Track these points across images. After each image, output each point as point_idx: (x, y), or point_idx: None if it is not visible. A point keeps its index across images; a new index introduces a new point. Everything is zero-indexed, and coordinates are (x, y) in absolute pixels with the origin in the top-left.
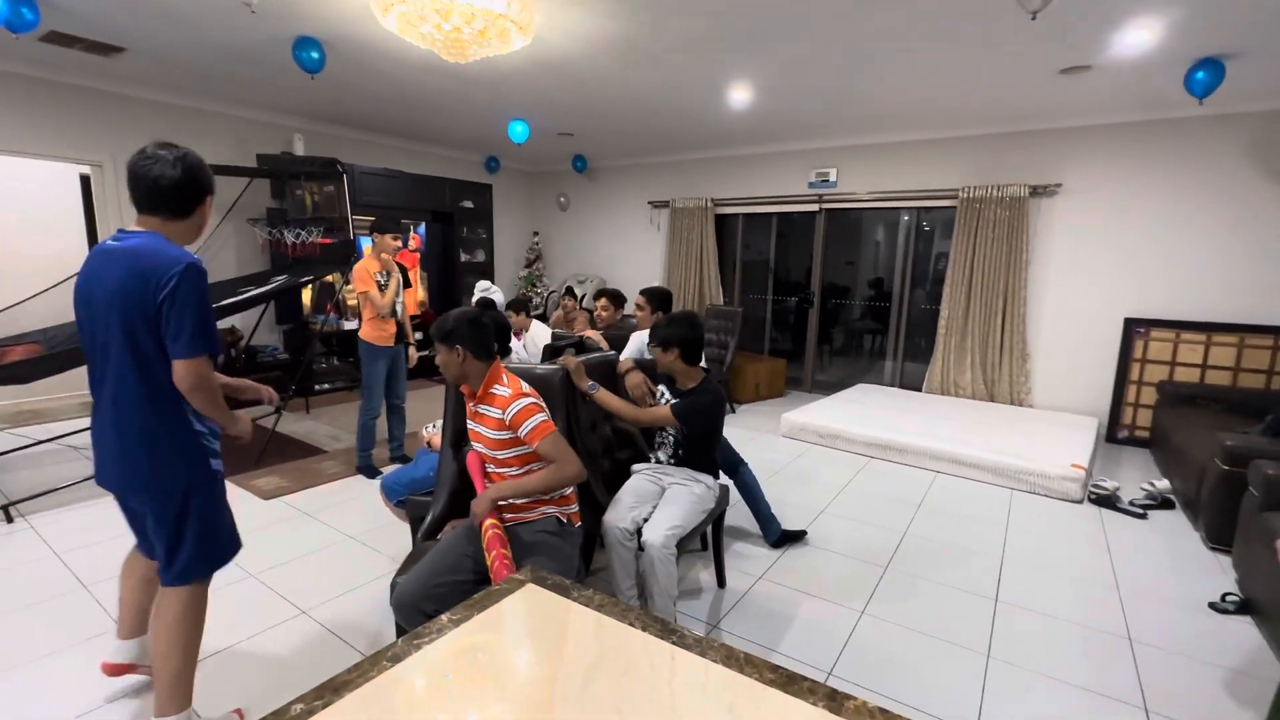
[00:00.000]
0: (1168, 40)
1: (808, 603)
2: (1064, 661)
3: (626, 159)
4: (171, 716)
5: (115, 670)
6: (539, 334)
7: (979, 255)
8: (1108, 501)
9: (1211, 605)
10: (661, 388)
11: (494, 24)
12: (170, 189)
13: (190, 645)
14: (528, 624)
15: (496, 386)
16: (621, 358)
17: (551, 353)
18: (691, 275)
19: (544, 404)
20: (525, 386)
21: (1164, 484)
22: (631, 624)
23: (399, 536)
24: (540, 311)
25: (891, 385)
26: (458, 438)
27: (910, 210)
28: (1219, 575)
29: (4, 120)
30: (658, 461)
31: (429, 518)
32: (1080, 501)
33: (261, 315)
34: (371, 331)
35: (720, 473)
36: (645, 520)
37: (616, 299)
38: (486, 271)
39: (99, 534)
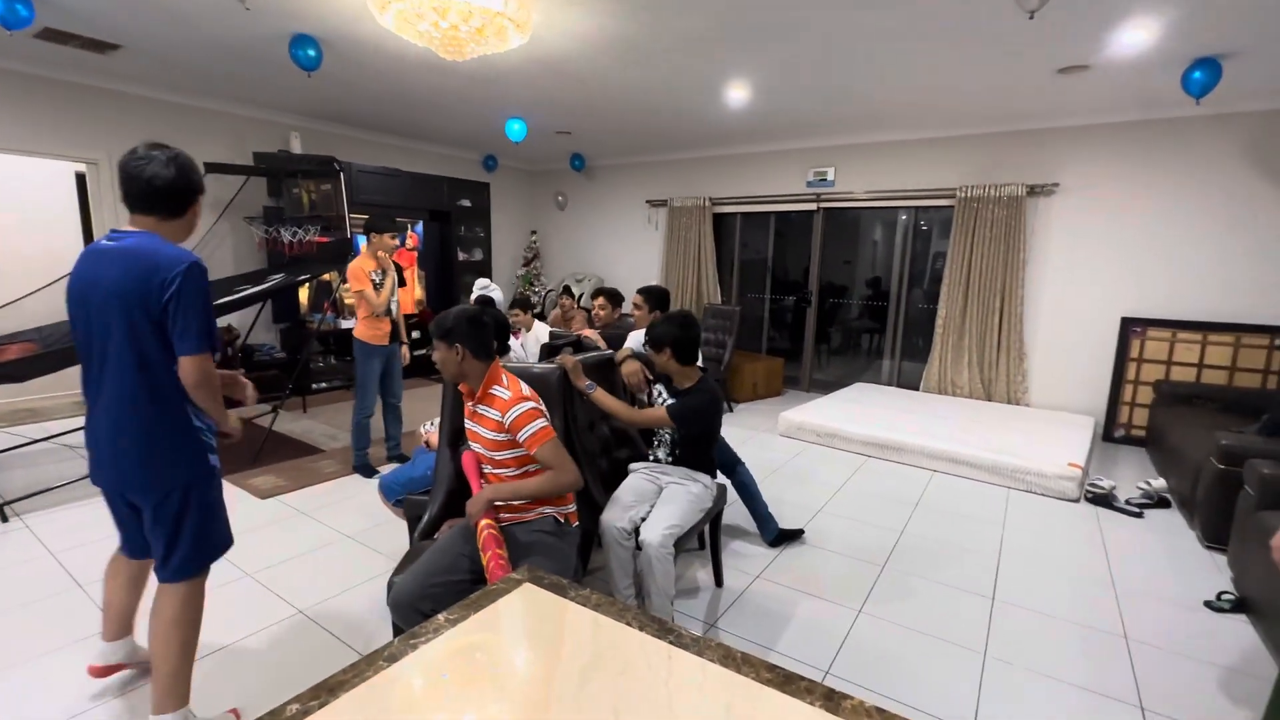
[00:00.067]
0: (1165, 40)
1: (805, 602)
2: (1060, 660)
3: (624, 158)
4: (169, 714)
5: (102, 673)
6: (537, 333)
7: (976, 254)
8: (1104, 500)
9: (1207, 604)
10: (659, 387)
11: (491, 22)
12: (164, 189)
13: (188, 642)
14: (525, 623)
15: (496, 387)
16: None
17: (549, 352)
18: (689, 274)
19: (544, 408)
20: (526, 389)
21: (1160, 483)
22: (629, 623)
23: (396, 536)
24: (538, 310)
25: (889, 384)
26: (455, 437)
27: (908, 209)
28: (1214, 574)
29: None
30: (656, 460)
31: (426, 517)
32: (1077, 500)
33: (258, 314)
34: (366, 330)
35: (718, 472)
36: (643, 519)
37: (614, 298)
38: (484, 270)
39: (94, 533)
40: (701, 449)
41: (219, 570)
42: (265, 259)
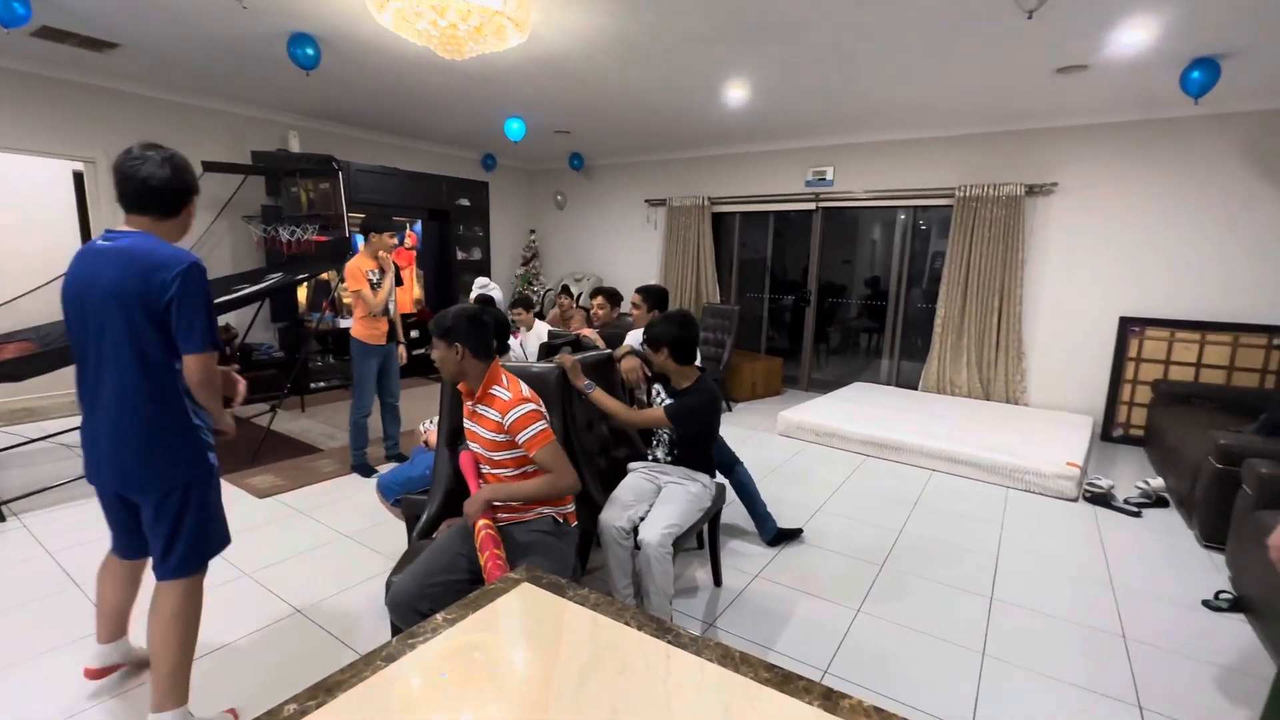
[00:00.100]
0: (1164, 40)
1: (804, 601)
2: (1058, 659)
3: (623, 157)
4: (169, 712)
5: (98, 674)
6: (537, 332)
7: (975, 254)
8: (1102, 500)
9: (1205, 603)
10: (657, 387)
11: (490, 21)
12: (159, 189)
13: (187, 639)
14: (523, 623)
15: (495, 388)
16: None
17: (548, 351)
18: (688, 274)
19: (544, 409)
20: (526, 390)
21: (1158, 482)
22: (627, 623)
23: (394, 535)
24: (537, 310)
25: (888, 384)
26: (453, 436)
27: (907, 209)
28: (1213, 573)
29: None
30: (654, 460)
31: (424, 516)
32: (1075, 500)
33: (256, 313)
34: (363, 329)
35: (716, 471)
36: (641, 519)
37: (613, 297)
38: (483, 269)
39: (91, 532)
40: (700, 448)
41: (217, 570)
42: (263, 258)
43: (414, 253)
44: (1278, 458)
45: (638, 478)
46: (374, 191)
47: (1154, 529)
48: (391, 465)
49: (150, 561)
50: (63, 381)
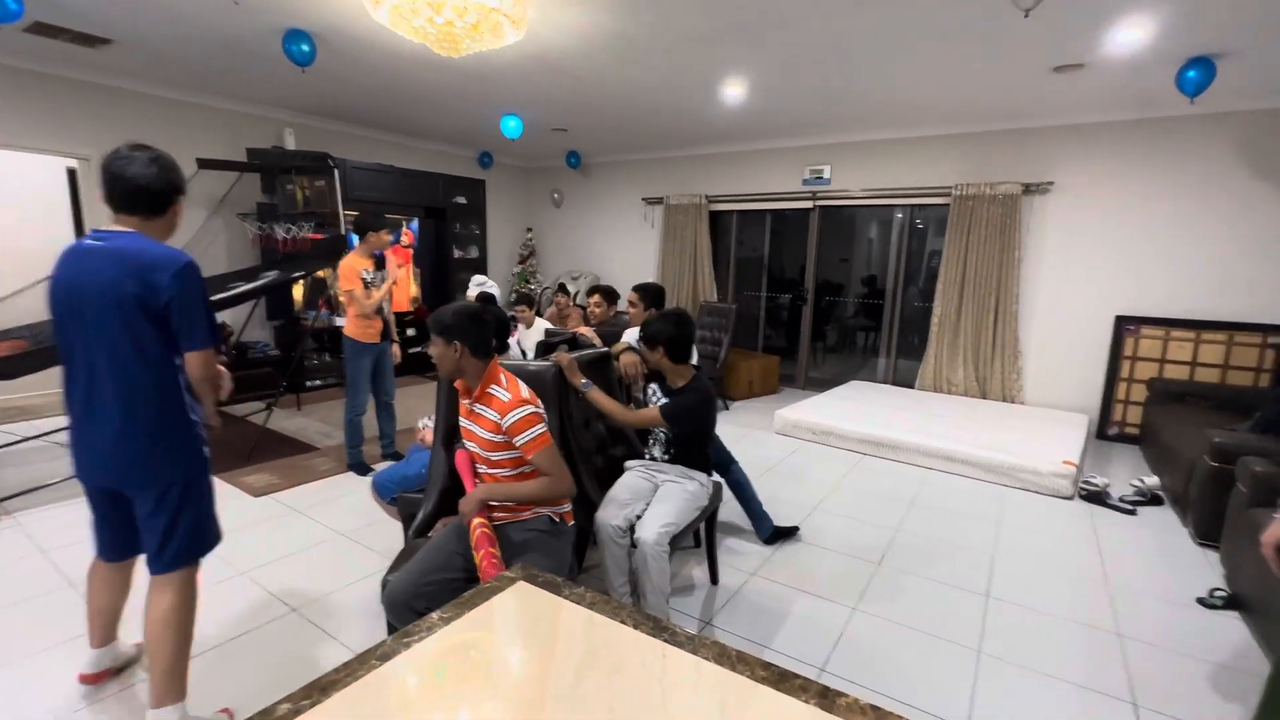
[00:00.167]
0: (1160, 39)
1: (800, 599)
2: (1054, 657)
3: (621, 155)
4: (168, 706)
5: (93, 679)
6: (536, 329)
7: (972, 253)
8: (1098, 498)
9: (1199, 601)
10: (653, 386)
11: (486, 18)
12: (147, 188)
13: (184, 634)
14: (519, 622)
15: (494, 387)
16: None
17: (544, 349)
18: (686, 272)
19: (543, 410)
20: (525, 391)
21: (1153, 480)
22: (623, 622)
23: (390, 534)
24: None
25: (884, 382)
26: (449, 435)
27: (904, 207)
28: (1207, 571)
29: None
30: (651, 458)
31: (420, 515)
32: (1071, 498)
33: (252, 311)
34: (356, 328)
35: (713, 470)
36: (638, 517)
37: (610, 295)
38: (480, 268)
39: (86, 531)
40: (696, 447)
41: (212, 569)
42: (259, 256)
43: (411, 251)
44: (1272, 456)
45: (634, 476)
46: (370, 189)
47: (1149, 527)
48: (388, 464)
49: (139, 561)
50: (56, 380)
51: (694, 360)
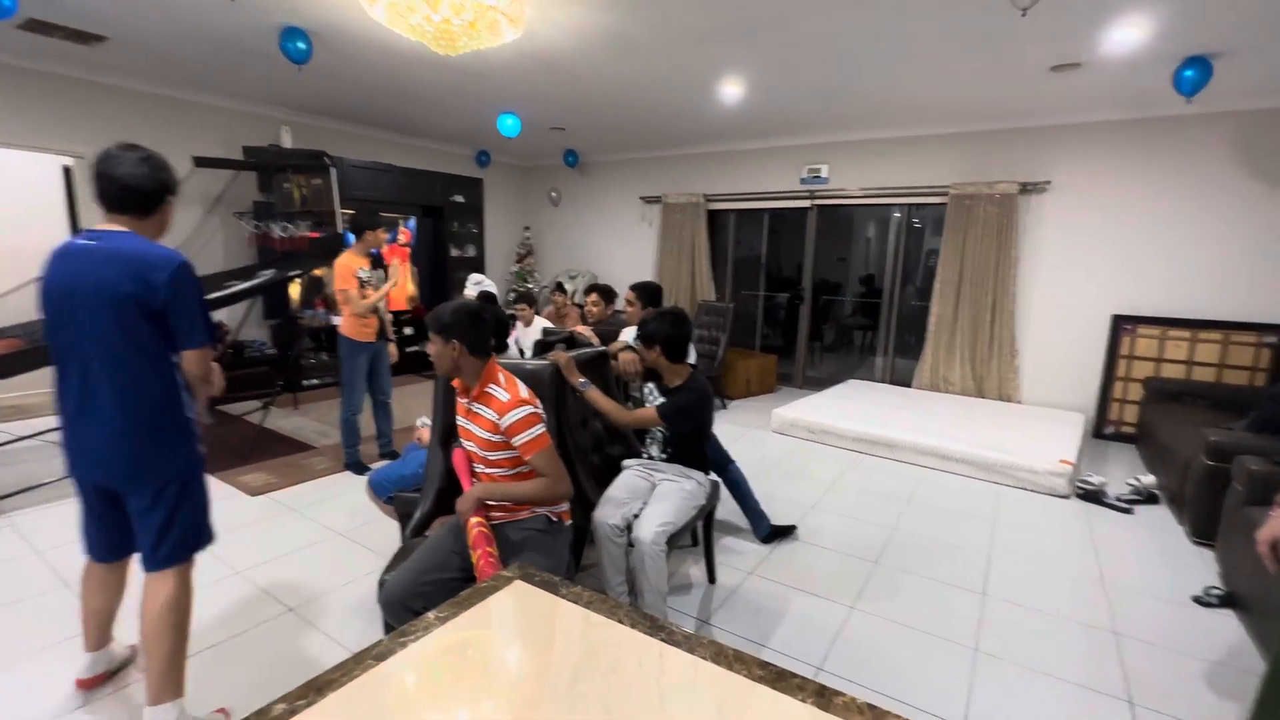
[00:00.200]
0: (1157, 38)
1: (798, 598)
2: (1050, 655)
3: (618, 154)
4: (165, 704)
5: (90, 684)
6: (535, 328)
7: (969, 252)
8: (1094, 497)
9: (1195, 599)
10: (650, 386)
11: (483, 16)
12: (137, 188)
13: (180, 631)
14: (515, 621)
15: (492, 386)
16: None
17: (542, 348)
18: (683, 271)
19: (542, 411)
20: (524, 391)
21: (1149, 479)
22: (620, 621)
23: (387, 533)
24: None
25: (882, 381)
26: (446, 434)
27: (901, 207)
28: (1202, 569)
29: None
30: (649, 457)
31: (417, 514)
32: (1067, 497)
33: (249, 310)
34: (352, 327)
35: (710, 469)
36: (636, 516)
37: (607, 294)
38: (477, 266)
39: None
40: (694, 446)
41: (208, 568)
42: (255, 254)
43: (408, 249)
44: (1267, 455)
45: (632, 475)
46: (367, 188)
47: (1145, 526)
48: (385, 463)
49: (133, 561)
50: (50, 379)
51: (691, 359)
